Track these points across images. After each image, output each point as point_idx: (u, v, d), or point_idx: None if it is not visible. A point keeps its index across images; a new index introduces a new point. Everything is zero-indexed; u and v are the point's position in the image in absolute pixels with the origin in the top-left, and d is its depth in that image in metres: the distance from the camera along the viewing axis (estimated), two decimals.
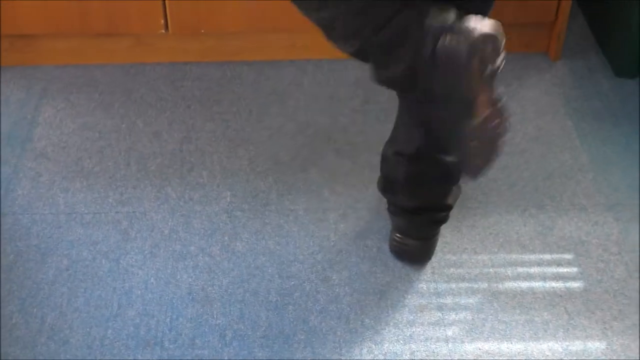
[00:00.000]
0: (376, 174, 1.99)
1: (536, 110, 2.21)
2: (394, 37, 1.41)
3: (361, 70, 2.29)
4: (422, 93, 1.47)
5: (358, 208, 1.93)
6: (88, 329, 1.66)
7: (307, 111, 2.20)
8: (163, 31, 2.26)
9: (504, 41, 1.42)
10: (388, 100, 2.20)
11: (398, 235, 1.79)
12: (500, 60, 1.43)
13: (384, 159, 1.76)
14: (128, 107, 2.20)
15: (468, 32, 1.37)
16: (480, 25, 1.38)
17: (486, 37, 1.38)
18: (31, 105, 2.21)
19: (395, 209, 1.78)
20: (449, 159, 1.64)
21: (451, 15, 1.40)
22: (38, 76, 2.30)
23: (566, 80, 2.32)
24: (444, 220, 1.77)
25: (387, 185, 1.77)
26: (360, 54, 1.50)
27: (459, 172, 1.71)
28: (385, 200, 1.86)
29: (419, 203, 1.73)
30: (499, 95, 1.51)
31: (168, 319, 1.68)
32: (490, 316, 1.70)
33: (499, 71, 1.45)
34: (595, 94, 2.27)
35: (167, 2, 2.20)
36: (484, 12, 1.51)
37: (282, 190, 1.97)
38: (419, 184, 1.69)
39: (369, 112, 2.19)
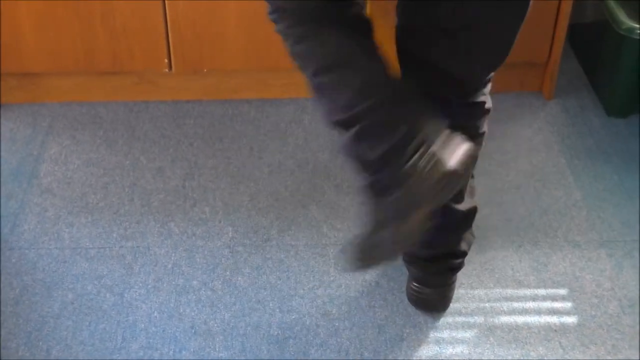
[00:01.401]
0: None
1: (530, 148, 2.25)
2: (384, 122, 1.43)
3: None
4: (377, 182, 1.48)
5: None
6: None
7: (307, 148, 2.24)
8: (166, 70, 2.31)
9: (468, 173, 1.49)
10: None
11: (415, 284, 1.80)
12: (454, 191, 1.48)
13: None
14: (132, 144, 2.25)
15: (442, 163, 1.39)
16: (453, 156, 1.40)
17: (450, 174, 1.40)
18: (37, 141, 2.25)
19: (410, 259, 1.79)
20: (461, 207, 1.68)
21: (439, 129, 1.42)
22: (44, 113, 2.35)
23: (559, 119, 2.36)
24: (459, 267, 1.78)
25: None
26: (340, 124, 1.48)
27: (472, 219, 1.74)
28: None
29: (434, 252, 1.74)
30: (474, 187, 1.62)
31: (171, 352, 1.71)
32: (487, 350, 1.73)
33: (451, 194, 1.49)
34: (587, 132, 2.32)
35: (170, 41, 2.25)
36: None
37: (283, 225, 2.01)
38: (433, 233, 1.64)
39: None
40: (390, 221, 1.47)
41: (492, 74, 1.59)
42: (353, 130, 1.45)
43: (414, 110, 1.44)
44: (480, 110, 1.59)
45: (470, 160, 1.45)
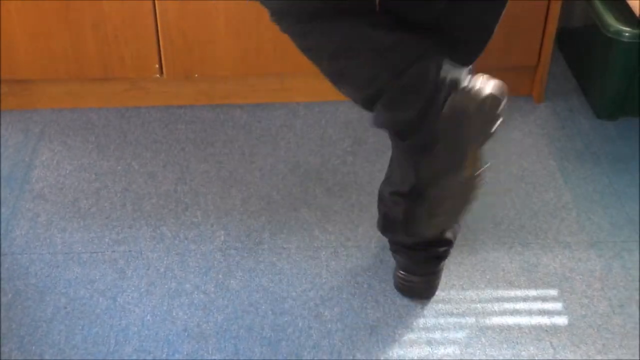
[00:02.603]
0: (366, 213, 2.04)
1: (521, 151, 2.27)
2: (410, 83, 1.47)
3: (351, 112, 2.36)
4: (421, 141, 1.53)
5: (348, 246, 1.97)
6: None
7: (299, 152, 2.25)
8: (158, 75, 2.31)
9: (504, 101, 1.50)
10: (378, 141, 2.26)
11: (402, 272, 1.82)
12: (499, 121, 1.52)
13: (381, 199, 1.78)
14: (123, 149, 2.25)
15: (476, 92, 1.44)
16: (487, 86, 1.46)
17: (491, 99, 1.46)
18: (29, 147, 2.25)
19: (397, 248, 1.82)
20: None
21: (463, 72, 1.47)
22: (35, 119, 2.35)
23: (549, 122, 2.38)
24: (444, 255, 1.81)
25: (386, 225, 1.80)
26: (368, 100, 1.54)
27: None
28: (377, 239, 1.91)
29: (419, 240, 1.76)
30: (485, 158, 1.61)
31: (164, 355, 1.71)
32: (478, 350, 1.74)
33: (495, 132, 1.54)
34: (577, 134, 2.33)
35: (161, 47, 2.26)
36: (475, 53, 1.59)
37: (275, 229, 2.01)
38: (418, 222, 1.69)
39: (359, 152, 2.24)
40: (446, 173, 1.52)
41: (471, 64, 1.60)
42: (383, 101, 1.49)
43: (431, 63, 1.47)
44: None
45: (503, 88, 1.49)
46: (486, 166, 1.65)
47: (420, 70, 1.47)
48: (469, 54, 1.61)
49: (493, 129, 1.52)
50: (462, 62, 1.51)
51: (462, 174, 1.54)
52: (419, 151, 1.54)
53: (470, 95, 1.44)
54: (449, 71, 1.46)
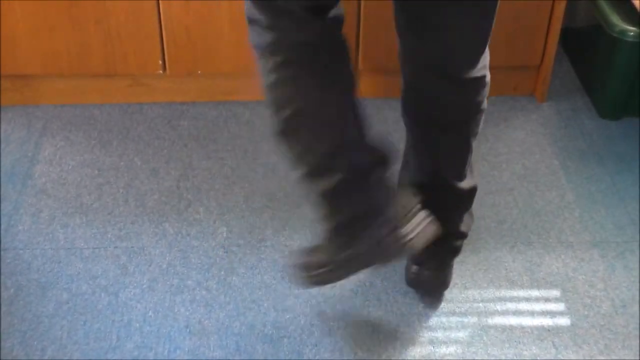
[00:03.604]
0: None
1: (523, 150, 2.27)
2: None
3: (366, 111, 2.35)
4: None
5: None
6: None
7: None
8: (160, 72, 2.31)
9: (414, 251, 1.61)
10: None
11: (414, 267, 1.81)
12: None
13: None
14: (126, 145, 2.25)
15: (399, 241, 1.54)
16: (418, 237, 1.56)
17: (408, 252, 1.60)
18: (31, 143, 2.25)
19: None
20: (463, 184, 1.71)
21: (412, 204, 1.57)
22: (38, 115, 2.35)
23: (552, 121, 2.38)
24: (458, 249, 1.81)
25: None
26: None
27: (473, 197, 1.77)
28: None
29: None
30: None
31: (166, 352, 1.71)
32: (480, 350, 1.74)
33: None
34: (580, 134, 2.33)
35: (164, 43, 2.26)
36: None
37: (277, 226, 2.01)
38: (435, 213, 1.68)
39: None
40: (334, 262, 1.59)
41: (485, 52, 1.62)
42: (320, 184, 1.53)
43: (383, 190, 1.55)
44: (480, 84, 1.62)
45: (432, 238, 1.59)
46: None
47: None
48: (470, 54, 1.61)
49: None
50: (456, 71, 1.55)
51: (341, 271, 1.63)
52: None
53: (390, 241, 1.55)
54: (395, 202, 1.58)
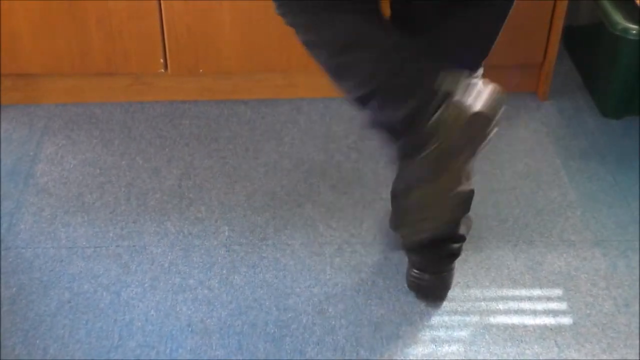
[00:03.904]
0: (370, 210, 2.04)
1: (525, 149, 2.27)
2: (405, 84, 1.48)
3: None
4: (406, 145, 1.52)
5: (353, 242, 1.97)
6: None
7: (303, 148, 2.25)
8: (162, 70, 2.31)
9: (497, 116, 1.48)
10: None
11: (415, 271, 1.81)
12: (486, 140, 1.50)
13: (394, 197, 1.75)
14: (128, 144, 2.25)
15: (466, 108, 1.43)
16: (479, 101, 1.44)
17: (481, 118, 1.45)
18: (33, 142, 2.25)
19: (410, 245, 1.81)
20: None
21: (459, 81, 1.46)
22: (40, 114, 2.35)
23: (554, 120, 2.38)
24: (458, 252, 1.80)
25: (398, 220, 1.78)
26: (363, 98, 1.54)
27: (470, 202, 1.76)
28: (381, 236, 1.91)
29: (433, 238, 1.74)
30: (470, 179, 1.60)
31: (168, 350, 1.71)
32: (483, 349, 1.74)
33: (486, 145, 1.52)
34: (582, 133, 2.33)
35: (166, 42, 2.26)
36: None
37: (279, 225, 2.01)
38: (408, 221, 1.67)
39: (364, 149, 2.24)
40: (423, 182, 1.51)
41: (480, 68, 1.62)
42: (376, 101, 1.50)
43: (429, 68, 1.47)
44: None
45: (498, 101, 1.47)
46: (471, 188, 1.69)
47: (416, 73, 1.48)
48: (472, 60, 1.61)
49: (479, 148, 1.50)
50: (465, 67, 1.51)
51: (440, 185, 1.52)
52: (406, 154, 1.53)
53: (459, 110, 1.43)
54: (445, 80, 1.45)
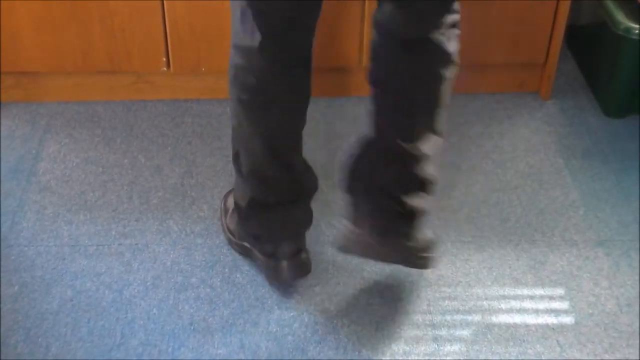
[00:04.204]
0: None
1: (528, 148, 2.26)
2: None
3: (358, 108, 2.35)
4: None
5: None
6: (92, 359, 1.69)
7: (305, 147, 2.23)
8: (164, 69, 2.31)
9: None
10: None
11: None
12: None
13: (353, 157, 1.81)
14: (130, 143, 2.25)
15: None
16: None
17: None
18: (35, 140, 2.25)
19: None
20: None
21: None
22: (42, 112, 2.35)
23: (557, 119, 2.37)
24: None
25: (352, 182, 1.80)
26: None
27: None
28: None
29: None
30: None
31: (170, 349, 1.72)
32: (485, 348, 1.74)
33: None
34: (585, 132, 2.33)
35: (169, 40, 2.26)
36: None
37: None
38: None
39: None
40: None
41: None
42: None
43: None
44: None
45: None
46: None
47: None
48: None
49: None
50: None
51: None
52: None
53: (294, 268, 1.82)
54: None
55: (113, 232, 1.98)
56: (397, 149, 1.66)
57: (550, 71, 2.38)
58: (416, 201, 1.71)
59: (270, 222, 1.77)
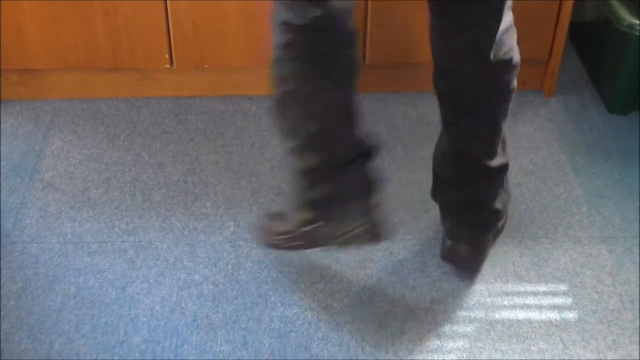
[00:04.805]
0: None
1: (531, 145, 2.26)
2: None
3: (361, 104, 2.35)
4: None
5: None
6: (95, 355, 1.69)
7: None
8: (168, 66, 2.31)
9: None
10: (386, 134, 2.25)
11: (449, 241, 1.83)
12: None
13: (435, 159, 1.82)
14: (133, 140, 2.25)
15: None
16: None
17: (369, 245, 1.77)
18: (39, 137, 2.25)
19: (445, 213, 1.85)
20: (492, 163, 1.73)
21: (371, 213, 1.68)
22: (45, 109, 2.35)
23: (560, 116, 2.37)
24: (492, 226, 1.82)
25: (437, 185, 1.83)
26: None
27: (504, 174, 1.80)
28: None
29: (466, 201, 1.78)
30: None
31: (173, 346, 1.72)
32: (488, 344, 1.73)
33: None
34: (588, 129, 2.32)
35: (172, 37, 2.26)
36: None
37: None
38: (466, 183, 1.76)
39: None
40: (295, 233, 1.72)
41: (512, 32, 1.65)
42: (303, 161, 1.64)
43: (359, 181, 1.67)
44: (509, 66, 1.66)
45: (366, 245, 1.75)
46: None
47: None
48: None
49: None
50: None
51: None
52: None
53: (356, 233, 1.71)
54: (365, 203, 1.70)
55: (116, 229, 1.98)
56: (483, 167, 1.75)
57: (554, 68, 2.38)
58: None
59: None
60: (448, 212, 1.84)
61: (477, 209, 1.79)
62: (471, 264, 1.86)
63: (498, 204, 1.80)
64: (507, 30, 1.62)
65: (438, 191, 1.85)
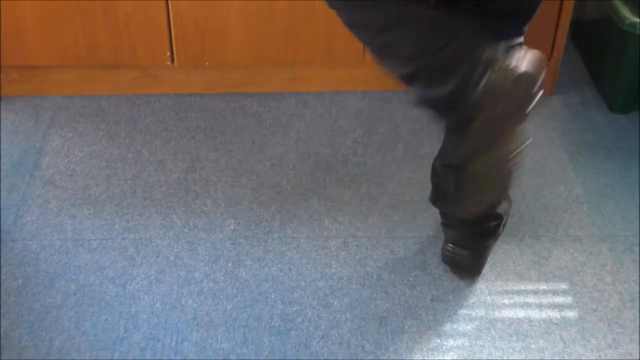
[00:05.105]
0: (376, 204, 2.04)
1: (532, 144, 2.25)
2: (449, 60, 1.50)
3: (362, 103, 2.35)
4: (458, 119, 1.55)
5: (358, 236, 1.97)
6: (95, 352, 1.69)
7: (309, 142, 2.25)
8: (169, 63, 2.31)
9: (542, 76, 1.52)
10: (388, 132, 2.26)
11: (450, 245, 1.84)
12: (535, 100, 1.54)
13: (434, 171, 1.80)
14: (134, 137, 2.25)
15: (511, 71, 1.46)
16: (523, 63, 1.48)
17: (526, 77, 1.48)
18: (39, 134, 2.25)
19: (447, 220, 1.84)
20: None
21: (501, 49, 1.49)
22: (46, 106, 2.35)
23: (561, 115, 2.37)
24: (494, 231, 1.82)
25: (437, 196, 1.82)
26: (410, 76, 1.58)
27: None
28: (386, 230, 1.91)
29: (468, 212, 1.78)
30: (524, 136, 1.62)
31: (173, 343, 1.72)
32: (488, 343, 1.73)
33: (533, 107, 1.55)
34: (589, 128, 2.32)
35: (173, 35, 2.25)
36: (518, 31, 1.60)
37: (285, 218, 2.01)
38: (467, 194, 1.74)
39: (370, 143, 2.23)
40: (483, 151, 1.56)
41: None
42: (421, 79, 1.54)
43: (470, 42, 1.50)
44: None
45: (540, 62, 1.51)
46: (525, 145, 1.66)
47: (457, 47, 1.49)
48: (514, 27, 1.62)
49: (528, 109, 1.53)
50: (507, 36, 1.54)
51: (499, 152, 1.57)
52: (457, 129, 1.57)
53: (504, 73, 1.46)
54: (487, 48, 1.47)
55: (117, 227, 1.98)
56: None
57: (555, 66, 2.38)
58: None
59: None
60: (449, 219, 1.84)
61: (480, 219, 1.79)
62: (472, 269, 1.86)
63: (500, 210, 1.80)
64: None
65: (438, 200, 1.83)
